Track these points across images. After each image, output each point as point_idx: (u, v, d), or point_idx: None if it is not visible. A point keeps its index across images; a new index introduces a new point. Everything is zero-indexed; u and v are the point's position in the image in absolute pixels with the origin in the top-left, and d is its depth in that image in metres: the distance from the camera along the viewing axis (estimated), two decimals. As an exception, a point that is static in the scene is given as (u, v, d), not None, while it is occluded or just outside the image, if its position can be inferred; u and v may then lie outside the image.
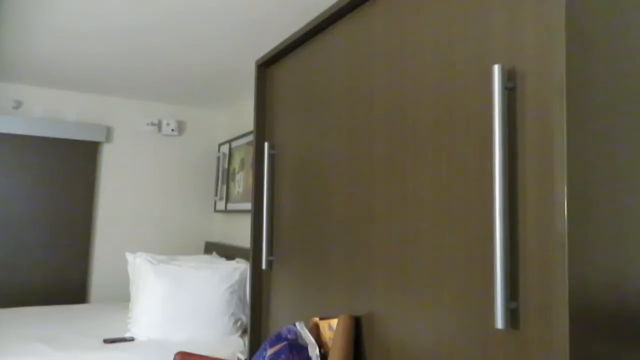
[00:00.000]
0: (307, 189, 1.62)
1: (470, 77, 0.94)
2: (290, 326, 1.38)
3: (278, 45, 1.74)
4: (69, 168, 3.53)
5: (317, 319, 1.40)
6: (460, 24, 0.97)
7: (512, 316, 0.81)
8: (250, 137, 3.44)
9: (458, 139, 0.96)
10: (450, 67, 0.99)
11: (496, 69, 0.83)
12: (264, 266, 1.85)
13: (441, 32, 1.02)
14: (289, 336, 1.35)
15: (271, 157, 1.87)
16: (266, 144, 1.85)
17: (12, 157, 3.36)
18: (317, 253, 1.54)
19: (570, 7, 0.76)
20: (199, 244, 4.01)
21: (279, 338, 1.35)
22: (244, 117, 3.75)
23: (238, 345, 2.25)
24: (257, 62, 1.94)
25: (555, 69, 0.76)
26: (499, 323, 0.80)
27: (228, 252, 3.29)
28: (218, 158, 3.99)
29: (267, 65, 1.94)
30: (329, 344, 1.33)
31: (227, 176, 3.78)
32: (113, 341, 2.16)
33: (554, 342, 0.74)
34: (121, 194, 3.77)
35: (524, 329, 0.80)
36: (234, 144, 3.74)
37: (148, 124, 3.88)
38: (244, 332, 2.41)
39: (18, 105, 3.52)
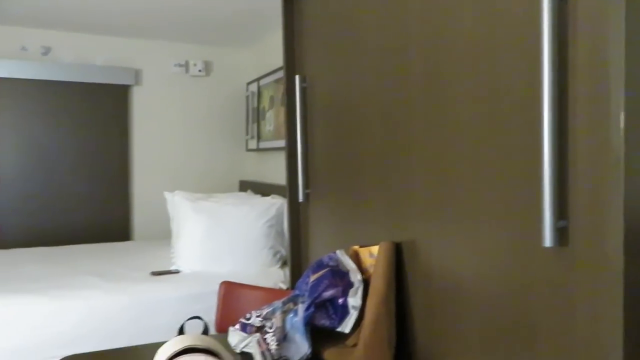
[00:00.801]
0: (341, 120, 1.61)
1: (517, -12, 0.89)
2: (331, 254, 1.41)
3: (306, -28, 1.68)
4: (102, 112, 3.59)
5: (356, 247, 1.43)
6: None
7: (561, 234, 0.81)
8: (279, 75, 3.40)
9: (502, 53, 0.92)
10: (494, -20, 0.94)
11: (547, -24, 0.78)
12: (300, 199, 1.87)
13: (484, -59, 0.96)
14: (330, 263, 1.38)
15: (303, 90, 1.85)
16: (297, 77, 1.82)
17: (45, 103, 3.42)
18: (353, 183, 1.55)
19: None
20: (233, 183, 4.08)
21: (320, 265, 1.39)
22: (271, 55, 3.69)
23: (278, 276, 2.34)
24: (284, -9, 1.88)
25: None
26: (547, 240, 0.79)
27: (262, 190, 3.35)
28: (247, 97, 3.98)
29: (294, -4, 1.88)
30: (370, 270, 1.36)
31: (257, 115, 3.77)
32: (160, 273, 2.27)
33: (607, 260, 0.74)
34: (154, 136, 3.83)
35: (573, 246, 0.79)
36: (262, 82, 3.70)
37: (175, 66, 3.86)
38: (284, 263, 2.49)
39: (47, 51, 3.54)
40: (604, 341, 0.74)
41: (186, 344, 0.89)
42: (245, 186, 3.83)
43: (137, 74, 3.77)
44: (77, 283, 2.11)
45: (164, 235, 3.79)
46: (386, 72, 1.32)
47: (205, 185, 3.98)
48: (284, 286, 2.29)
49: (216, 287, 2.13)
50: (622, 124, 0.69)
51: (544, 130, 0.79)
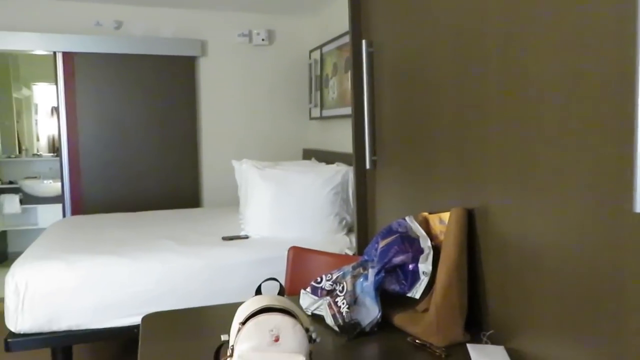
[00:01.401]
0: (410, 86, 1.57)
1: None
2: (400, 220, 1.41)
3: None
4: (171, 83, 3.71)
5: (426, 213, 1.41)
6: None
7: (653, 199, 0.76)
8: (341, 41, 3.35)
9: (590, 15, 0.86)
10: None
11: None
12: (367, 165, 1.87)
13: None
14: (399, 229, 1.38)
15: (369, 56, 1.82)
16: (364, 42, 1.79)
17: (118, 76, 3.58)
18: (422, 149, 1.52)
19: None
20: (296, 151, 4.13)
21: (389, 231, 1.38)
22: (334, 21, 3.64)
23: (344, 242, 2.37)
24: (350, -47, 1.83)
25: None
26: (638, 206, 0.75)
27: (326, 158, 3.36)
28: (310, 65, 3.97)
29: (361, -43, 1.83)
30: (440, 237, 1.34)
31: (320, 83, 3.76)
32: (231, 239, 2.36)
33: None
34: (220, 106, 3.93)
35: (666, 211, 0.74)
36: (324, 49, 3.67)
37: (239, 35, 3.91)
38: (349, 230, 2.52)
39: (119, 25, 3.68)
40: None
41: (264, 304, 0.93)
42: (308, 154, 3.87)
43: (203, 45, 3.85)
44: (155, 246, 2.24)
45: (231, 202, 3.92)
46: (459, 34, 1.27)
47: (270, 154, 4.06)
48: (349, 252, 2.32)
49: (284, 253, 2.18)
50: None
51: (637, 93, 0.73)
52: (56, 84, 3.53)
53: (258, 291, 1.04)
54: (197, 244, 2.29)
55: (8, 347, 1.93)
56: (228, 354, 0.94)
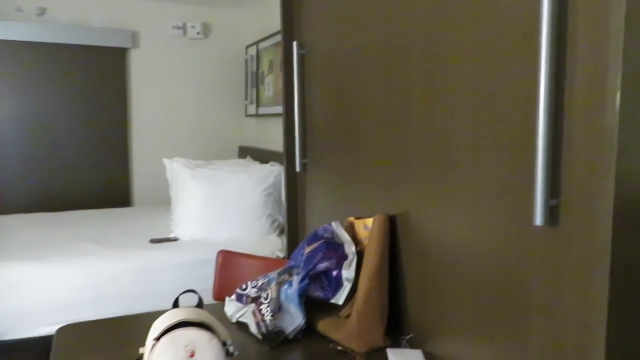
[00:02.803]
0: (340, 90, 1.58)
1: (518, -43, 0.85)
2: (326, 225, 1.42)
3: None
4: (99, 75, 3.54)
5: (352, 218, 1.43)
6: None
7: (552, 213, 0.80)
8: (278, 38, 3.33)
9: (501, 25, 0.89)
10: (495, -53, 0.90)
11: (548, -55, 0.74)
12: (297, 168, 1.86)
13: None
14: (325, 235, 1.38)
15: (300, 57, 1.81)
16: (295, 43, 1.79)
17: (41, 66, 3.37)
18: (351, 153, 1.54)
19: None
20: (232, 148, 4.06)
21: (315, 237, 1.39)
22: (271, 17, 3.61)
23: (276, 244, 2.36)
24: (281, -46, 1.82)
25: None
26: (538, 219, 0.79)
27: (262, 156, 3.34)
28: (246, 61, 3.92)
29: (292, -42, 1.82)
30: (365, 242, 1.36)
31: (256, 79, 3.72)
32: (159, 241, 2.29)
33: (595, 238, 0.73)
34: (152, 100, 3.79)
35: (564, 225, 0.79)
36: (261, 45, 3.63)
37: (173, 28, 3.79)
38: (282, 232, 2.51)
39: (42, 12, 3.47)
40: (592, 316, 0.75)
41: (180, 318, 0.90)
42: (244, 152, 3.82)
43: (134, 36, 3.70)
44: (76, 249, 2.13)
45: (164, 201, 3.81)
46: (388, 43, 1.28)
47: (205, 151, 3.97)
48: (281, 254, 2.31)
49: (214, 255, 2.15)
50: (617, 106, 0.67)
51: (539, 111, 0.77)
52: (-31, 72, 3.28)
53: (175, 304, 1.01)
54: (123, 247, 2.21)
55: None
56: (141, 371, 0.91)
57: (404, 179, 1.26)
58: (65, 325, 1.31)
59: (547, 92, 0.76)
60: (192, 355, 0.88)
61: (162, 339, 0.89)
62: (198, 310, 0.96)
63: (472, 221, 1.01)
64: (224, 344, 0.91)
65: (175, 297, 1.02)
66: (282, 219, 2.51)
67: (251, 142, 4.00)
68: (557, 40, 0.77)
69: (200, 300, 1.05)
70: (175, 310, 0.94)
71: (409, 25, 1.18)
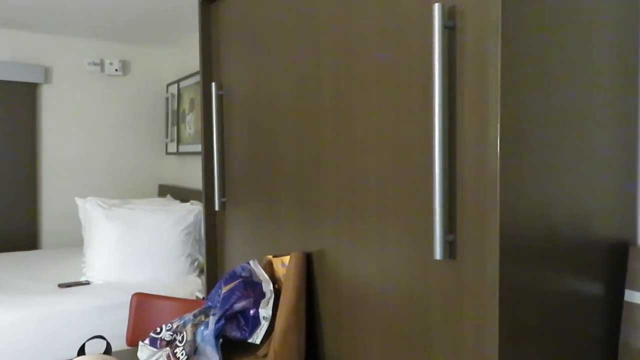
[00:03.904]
0: (257, 130, 1.61)
1: (413, 15, 0.94)
2: (244, 264, 1.42)
3: (222, -20, 1.67)
4: (7, 111, 3.35)
5: (270, 256, 1.44)
6: (403, -40, 0.96)
7: (450, 247, 0.87)
8: (199, 77, 3.34)
9: (402, 80, 0.97)
10: (393, 6, 0.99)
11: (437, 7, 0.83)
12: (217, 207, 1.86)
13: (385, -32, 1.01)
14: (243, 274, 1.39)
15: (219, 98, 1.84)
16: (213, 84, 1.81)
17: (-58, 101, 3.15)
18: (268, 193, 1.56)
19: (508, -55, 0.76)
20: (152, 187, 3.95)
21: (233, 276, 1.39)
22: (192, 56, 3.62)
23: (196, 284, 2.30)
24: (200, -3, 1.86)
25: (492, 8, 0.77)
26: (438, 254, 0.85)
27: (182, 195, 3.28)
28: (167, 99, 3.88)
29: (211, 1, 1.86)
30: (283, 279, 1.38)
31: (177, 118, 3.69)
32: (68, 285, 2.16)
33: (486, 270, 0.80)
34: (66, 138, 3.63)
35: (460, 258, 0.86)
36: (182, 84, 3.62)
37: (90, 64, 3.69)
38: (201, 271, 2.46)
39: (-57, 44, 3.26)
40: (486, 342, 0.81)
41: (85, 367, 0.87)
42: (164, 190, 3.73)
43: (46, 72, 3.56)
44: (-26, 298, 1.97)
45: (75, 243, 3.60)
46: (300, 89, 1.34)
47: (123, 190, 3.83)
48: (200, 295, 2.26)
49: (129, 299, 2.06)
50: (497, 153, 0.76)
51: (435, 159, 0.84)
52: None
53: (82, 351, 0.96)
54: (28, 293, 2.06)
55: None
56: None
57: (317, 218, 1.31)
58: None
59: (441, 143, 0.84)
60: (98, 405, 0.85)
61: (66, 390, 0.84)
62: (106, 357, 0.92)
63: (379, 257, 1.06)
64: (133, 391, 0.88)
65: (81, 344, 0.98)
66: (202, 259, 2.47)
67: (171, 180, 3.92)
68: (447, 101, 0.85)
69: (108, 345, 1.01)
70: (81, 358, 0.91)
71: (319, 74, 1.24)
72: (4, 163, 3.33)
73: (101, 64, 3.75)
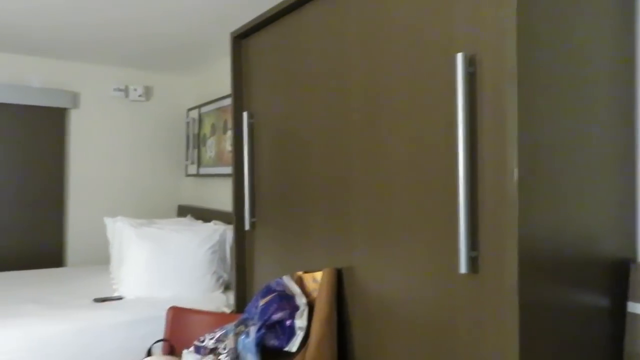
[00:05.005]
0: (287, 154, 1.75)
1: (437, 60, 1.09)
2: (278, 279, 1.55)
3: (254, 19, 1.83)
4: (37, 135, 3.53)
5: (301, 273, 1.57)
6: (428, 13, 1.11)
7: (473, 263, 1.00)
8: (220, 104, 3.51)
9: (427, 114, 1.11)
10: (419, 51, 1.14)
11: (460, 57, 0.98)
12: (247, 227, 1.99)
13: (411, 18, 1.16)
14: (277, 288, 1.51)
15: (250, 126, 1.98)
16: (245, 113, 1.96)
17: (-22, 125, 3.33)
18: (298, 213, 1.70)
19: (521, 6, 0.91)
20: (171, 207, 4.10)
21: (268, 290, 1.51)
22: (213, 83, 3.80)
23: (221, 300, 2.42)
24: (232, 34, 2.02)
25: (508, 56, 0.92)
26: (462, 268, 0.98)
27: (202, 215, 3.41)
28: (187, 123, 4.05)
29: (242, 37, 2.03)
30: (313, 294, 1.50)
31: (197, 141, 3.85)
32: (103, 300, 2.29)
33: (506, 283, 0.93)
34: (91, 160, 3.80)
35: (482, 273, 0.98)
36: (203, 109, 3.79)
37: (115, 90, 3.87)
38: (226, 288, 2.58)
39: (-21, 71, 3.45)
40: (507, 349, 0.93)
41: (155, 365, 0.99)
42: (184, 211, 3.87)
43: (74, 97, 3.74)
44: (15, 311, 2.09)
45: (99, 261, 3.74)
46: (328, 108, 1.49)
47: (144, 210, 3.97)
48: (227, 310, 2.38)
49: (161, 313, 2.18)
50: (515, 179, 0.89)
51: (459, 183, 0.98)
52: None
53: (149, 353, 1.09)
54: (65, 307, 2.19)
55: None
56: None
57: (346, 236, 1.44)
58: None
59: (465, 172, 0.97)
60: (167, 399, 0.97)
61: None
62: (172, 358, 1.05)
63: (405, 273, 1.19)
64: (195, 388, 1.01)
65: (148, 347, 1.10)
66: (226, 276, 2.59)
67: (191, 200, 4.06)
68: (469, 135, 0.99)
69: (172, 348, 1.14)
70: (151, 358, 1.03)
71: (349, 105, 1.39)
72: (34, 184, 3.49)
73: (126, 90, 3.94)
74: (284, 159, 1.78)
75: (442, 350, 1.09)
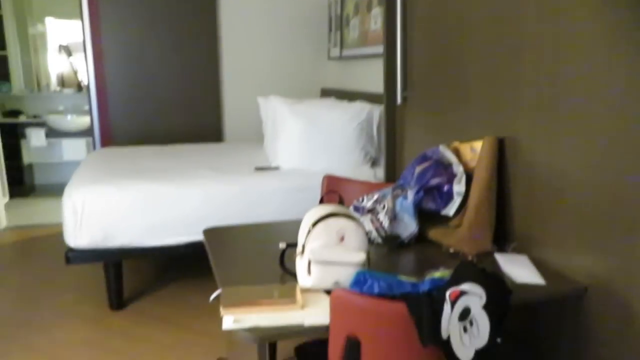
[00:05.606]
0: (444, 28, 1.67)
1: None
2: (434, 148, 1.56)
3: None
4: (191, 19, 3.77)
5: (457, 142, 1.56)
6: None
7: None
8: (365, -21, 3.37)
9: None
10: None
11: None
12: (398, 101, 2.00)
13: None
14: (434, 156, 1.53)
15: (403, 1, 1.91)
16: (400, -18, 1.88)
17: (139, 11, 3.63)
18: (455, 85, 1.65)
19: None
20: (314, 90, 4.23)
21: (424, 158, 1.54)
22: (357, -43, 3.64)
23: (369, 174, 2.54)
24: None
25: None
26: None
27: (346, 97, 3.47)
28: (329, 4, 3.99)
29: None
30: (470, 164, 1.50)
31: (340, 22, 3.81)
32: (263, 169, 2.53)
33: None
34: (240, 43, 3.99)
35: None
36: (346, -13, 3.69)
37: (261, -28, 3.91)
38: (373, 163, 2.68)
39: (141, -41, 3.68)
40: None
41: (330, 210, 1.10)
42: (327, 93, 3.97)
43: (224, -19, 3.87)
44: (194, 174, 2.41)
45: (252, 138, 4.07)
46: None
47: (288, 92, 4.16)
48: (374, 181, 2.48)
49: (313, 182, 2.36)
50: None
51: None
52: (81, 19, 3.59)
53: (321, 201, 1.20)
54: (234, 173, 2.46)
55: (68, 260, 2.15)
56: (299, 251, 1.12)
57: (513, 103, 1.37)
58: (210, 228, 1.56)
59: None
60: (342, 239, 1.08)
61: (317, 226, 1.09)
62: (340, 206, 1.15)
63: (581, 144, 1.12)
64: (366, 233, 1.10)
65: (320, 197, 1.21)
66: (373, 152, 2.68)
67: (333, 83, 4.14)
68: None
69: (341, 198, 1.24)
70: (323, 205, 1.14)
71: (528, -42, 1.25)
72: (191, 67, 3.80)
73: (271, -27, 3.96)
74: (441, 31, 1.70)
75: (615, 230, 1.04)
